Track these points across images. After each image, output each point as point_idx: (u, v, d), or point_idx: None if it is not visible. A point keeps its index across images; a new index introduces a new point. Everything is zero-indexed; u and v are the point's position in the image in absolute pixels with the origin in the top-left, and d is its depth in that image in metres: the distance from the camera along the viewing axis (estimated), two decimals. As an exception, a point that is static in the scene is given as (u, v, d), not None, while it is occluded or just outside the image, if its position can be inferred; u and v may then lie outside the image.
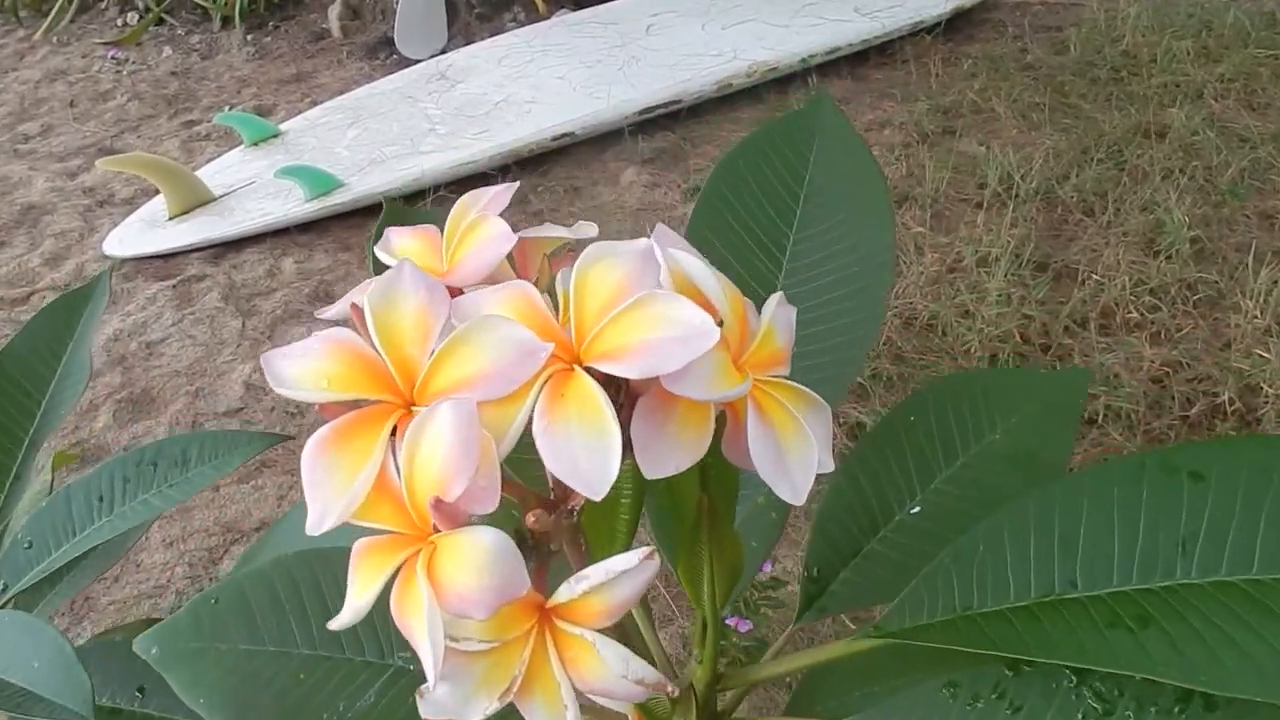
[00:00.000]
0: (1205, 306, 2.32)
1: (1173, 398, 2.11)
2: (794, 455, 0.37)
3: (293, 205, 2.84)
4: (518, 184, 0.44)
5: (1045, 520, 0.49)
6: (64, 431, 2.32)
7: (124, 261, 2.82)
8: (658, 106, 3.11)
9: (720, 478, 0.44)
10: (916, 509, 0.58)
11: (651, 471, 0.37)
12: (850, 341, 0.56)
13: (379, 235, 0.63)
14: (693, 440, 0.37)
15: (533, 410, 0.35)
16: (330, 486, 0.35)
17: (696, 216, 0.62)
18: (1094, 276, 2.40)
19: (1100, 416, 2.08)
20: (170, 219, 2.88)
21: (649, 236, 0.39)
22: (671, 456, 0.37)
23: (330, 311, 0.43)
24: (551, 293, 0.44)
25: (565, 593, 0.35)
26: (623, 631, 0.37)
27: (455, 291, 0.41)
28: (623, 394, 0.38)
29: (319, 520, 0.35)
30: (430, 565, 0.34)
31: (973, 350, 2.23)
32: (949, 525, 0.56)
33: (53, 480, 0.98)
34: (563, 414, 0.34)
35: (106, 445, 2.30)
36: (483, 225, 0.41)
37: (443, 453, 0.34)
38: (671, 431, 0.37)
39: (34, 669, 0.72)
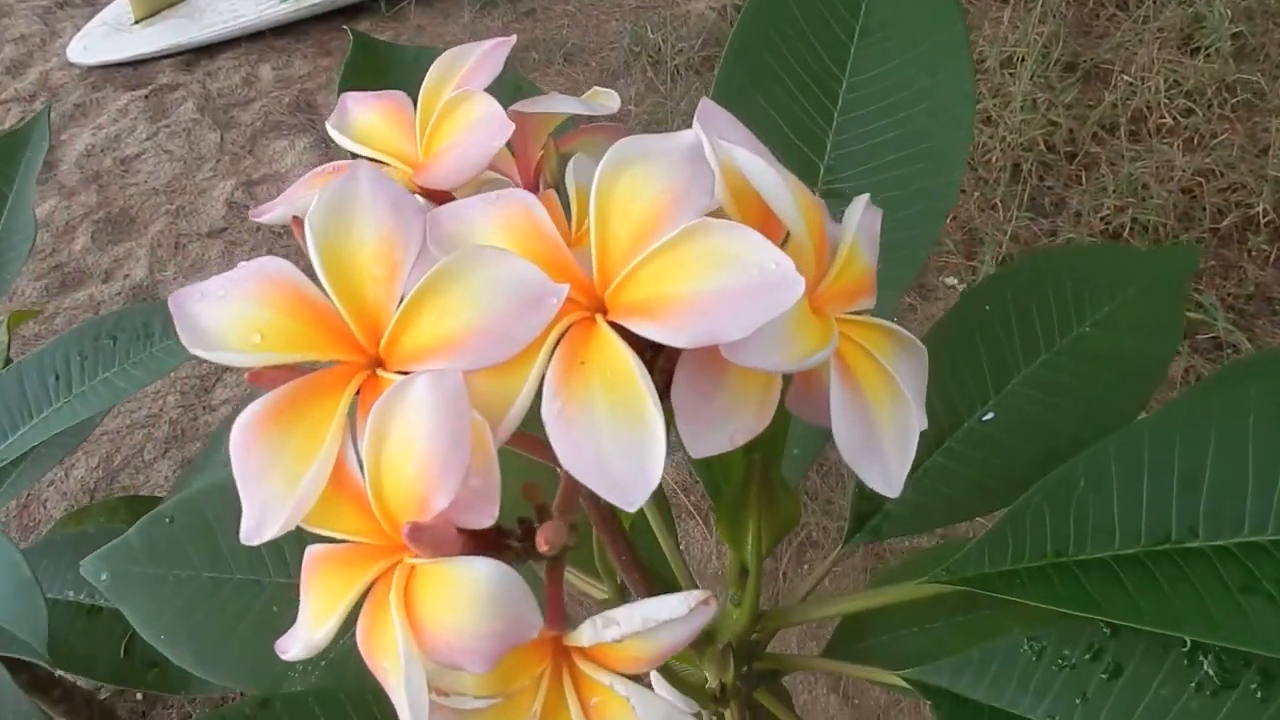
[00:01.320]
0: (1243, 110, 2.17)
1: (1203, 209, 2.00)
2: (888, 431, 0.28)
3: (267, 6, 2.64)
4: (513, 39, 0.33)
5: (1162, 453, 0.40)
6: (40, 255, 2.22)
7: (90, 69, 2.64)
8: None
9: (771, 428, 0.35)
10: (989, 416, 0.49)
11: (699, 449, 0.27)
12: (920, 215, 0.46)
13: (351, 81, 0.52)
14: (754, 406, 0.28)
15: (541, 380, 0.26)
16: (269, 484, 0.26)
17: (729, 59, 0.50)
18: (1125, 78, 2.25)
19: (1126, 230, 1.97)
20: (136, 22, 2.69)
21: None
22: (724, 429, 0.28)
23: (269, 214, 0.33)
24: (558, 187, 0.34)
25: (589, 635, 0.26)
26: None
27: (436, 195, 0.31)
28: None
29: (255, 528, 0.26)
30: (408, 593, 0.25)
31: (994, 160, 2.11)
32: (1027, 436, 0.47)
33: (9, 343, 0.89)
34: (583, 391, 0.25)
35: (87, 269, 2.20)
36: (467, 105, 0.30)
37: (420, 449, 0.24)
38: (725, 398, 0.28)
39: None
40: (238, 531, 0.50)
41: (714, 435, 0.28)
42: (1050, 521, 0.41)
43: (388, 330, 0.26)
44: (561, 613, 0.27)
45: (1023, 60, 2.26)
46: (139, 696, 1.57)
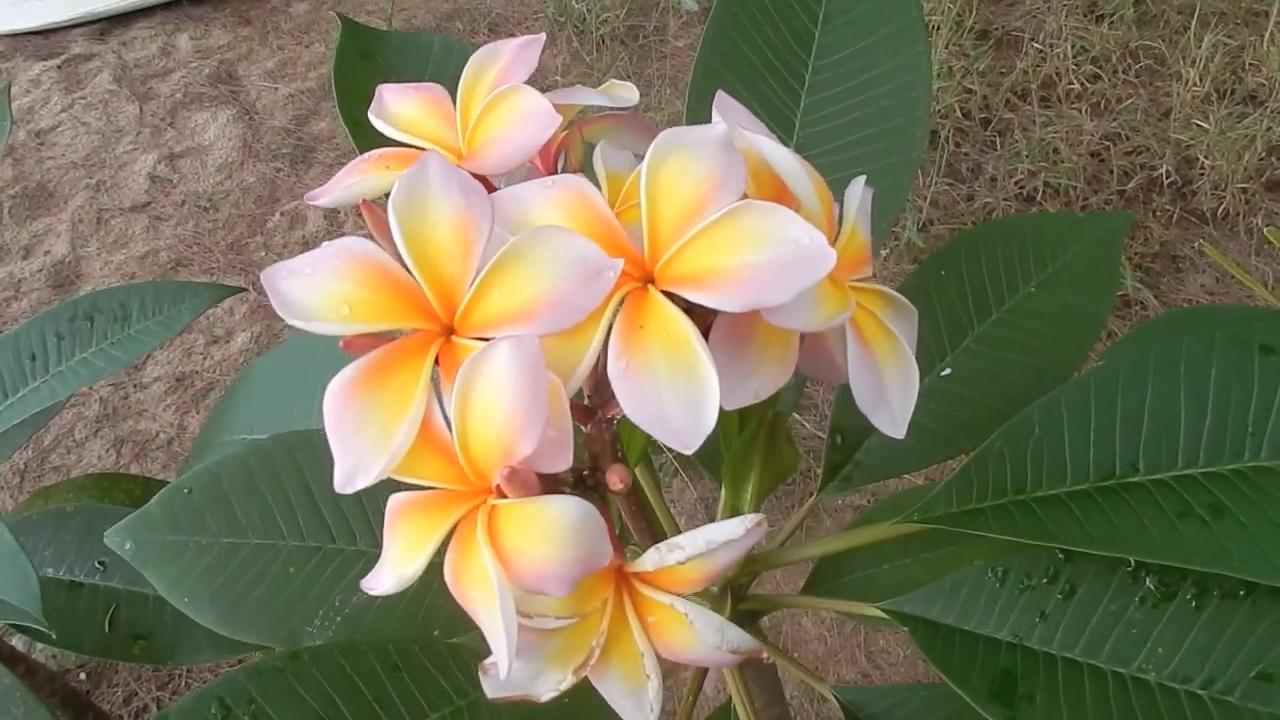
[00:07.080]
0: (1146, 75, 2.28)
1: (1111, 172, 2.10)
2: (893, 380, 0.33)
3: (182, -26, 2.60)
4: (542, 38, 0.36)
5: (1106, 398, 0.45)
6: (-45, 232, 2.17)
7: (-2, 40, 2.57)
8: None
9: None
10: (947, 371, 0.54)
11: (730, 401, 0.31)
12: (883, 191, 0.51)
13: (343, 65, 0.55)
14: (777, 362, 0.32)
15: (604, 343, 0.29)
16: (364, 440, 0.30)
17: (705, 44, 0.54)
18: (1035, 45, 2.33)
19: (1039, 194, 2.06)
20: (44, -10, 2.62)
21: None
22: (751, 382, 0.32)
23: (325, 198, 0.36)
24: (583, 170, 0.37)
25: (653, 560, 0.30)
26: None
27: (484, 184, 0.35)
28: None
29: (349, 478, 0.30)
30: (493, 532, 0.29)
31: (913, 127, 2.17)
32: (982, 389, 0.52)
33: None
34: (644, 351, 0.29)
35: (5, 245, 2.16)
36: (516, 99, 0.34)
37: (505, 405, 0.28)
38: (752, 354, 0.32)
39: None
40: (252, 498, 0.53)
41: (742, 388, 0.32)
42: (1010, 463, 0.46)
43: (464, 301, 0.30)
44: (618, 543, 0.31)
45: (938, 29, 2.33)
46: (82, 676, 1.57)
